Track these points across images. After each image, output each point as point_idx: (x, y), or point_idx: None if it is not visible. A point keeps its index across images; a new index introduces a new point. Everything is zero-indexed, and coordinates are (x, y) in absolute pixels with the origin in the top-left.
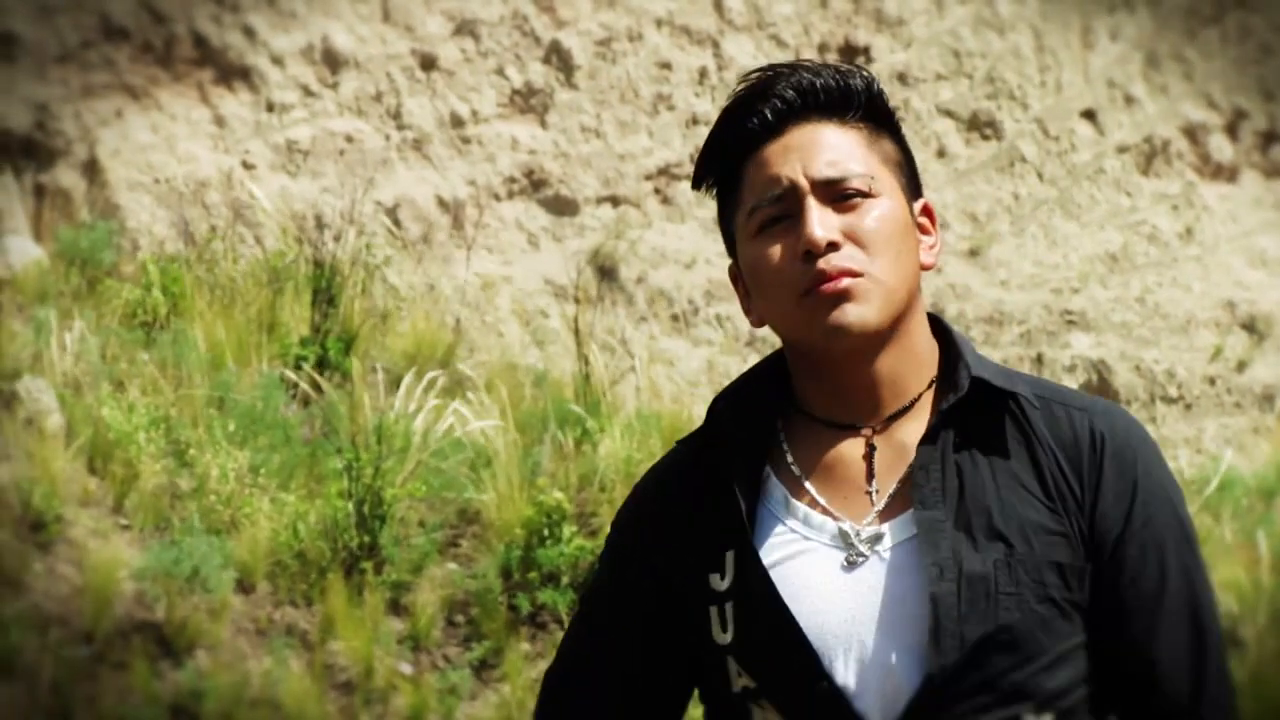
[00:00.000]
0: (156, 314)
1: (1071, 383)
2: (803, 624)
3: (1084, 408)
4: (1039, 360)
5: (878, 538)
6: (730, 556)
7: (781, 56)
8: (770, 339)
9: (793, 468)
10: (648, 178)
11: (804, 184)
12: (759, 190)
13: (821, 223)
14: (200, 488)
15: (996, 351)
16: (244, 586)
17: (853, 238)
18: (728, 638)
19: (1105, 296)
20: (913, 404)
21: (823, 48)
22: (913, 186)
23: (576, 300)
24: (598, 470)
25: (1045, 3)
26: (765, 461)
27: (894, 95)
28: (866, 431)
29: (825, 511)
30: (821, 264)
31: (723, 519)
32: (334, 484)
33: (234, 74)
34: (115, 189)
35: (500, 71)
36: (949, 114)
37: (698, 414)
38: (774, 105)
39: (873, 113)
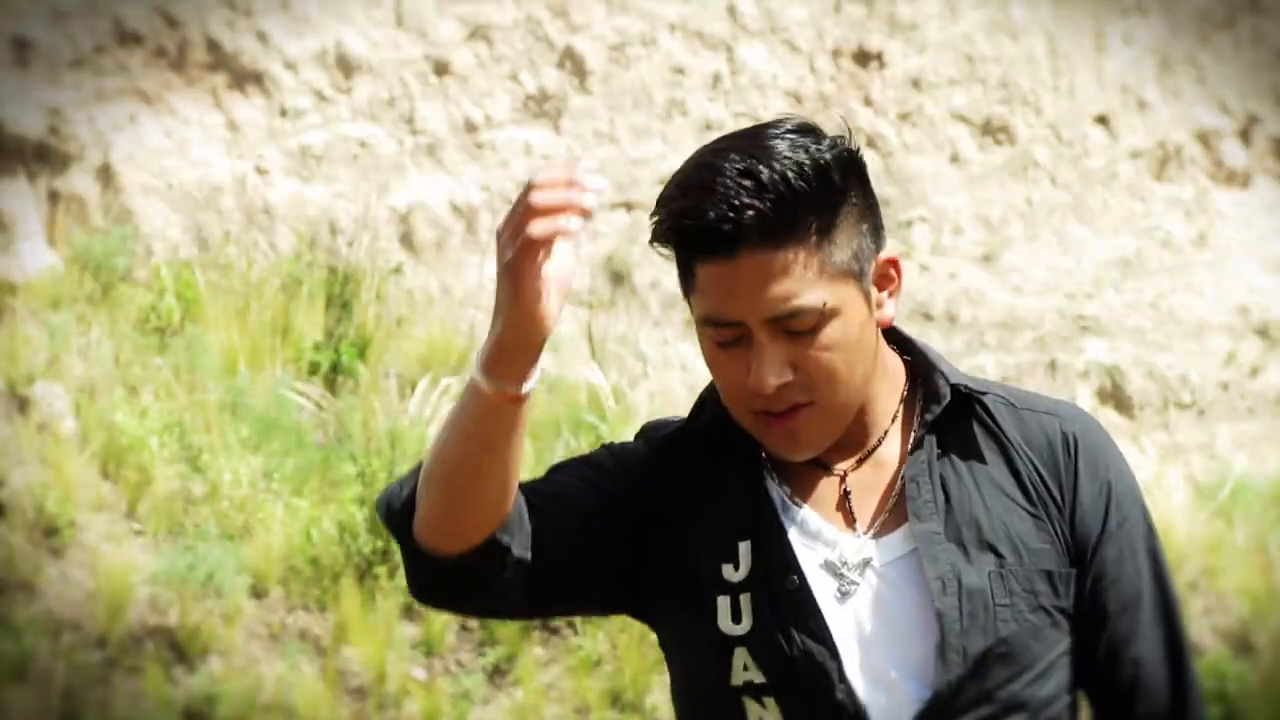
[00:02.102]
0: (170, 319)
1: (1085, 388)
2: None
3: (1051, 411)
4: (1052, 365)
5: (866, 562)
6: (745, 548)
7: (795, 62)
8: None
9: (783, 487)
10: (661, 183)
11: (752, 323)
12: (712, 306)
13: (770, 364)
14: (213, 493)
15: (1010, 357)
16: (257, 592)
17: (804, 368)
18: (741, 628)
19: (1118, 302)
20: (882, 438)
21: (836, 53)
22: (874, 240)
23: (590, 305)
24: None
25: (1058, 7)
26: (761, 461)
27: (907, 100)
28: (841, 470)
29: (816, 532)
30: (770, 403)
31: (732, 508)
32: (347, 489)
33: (247, 79)
34: (129, 194)
35: (514, 77)
36: (962, 119)
37: None
38: (721, 229)
39: (822, 204)
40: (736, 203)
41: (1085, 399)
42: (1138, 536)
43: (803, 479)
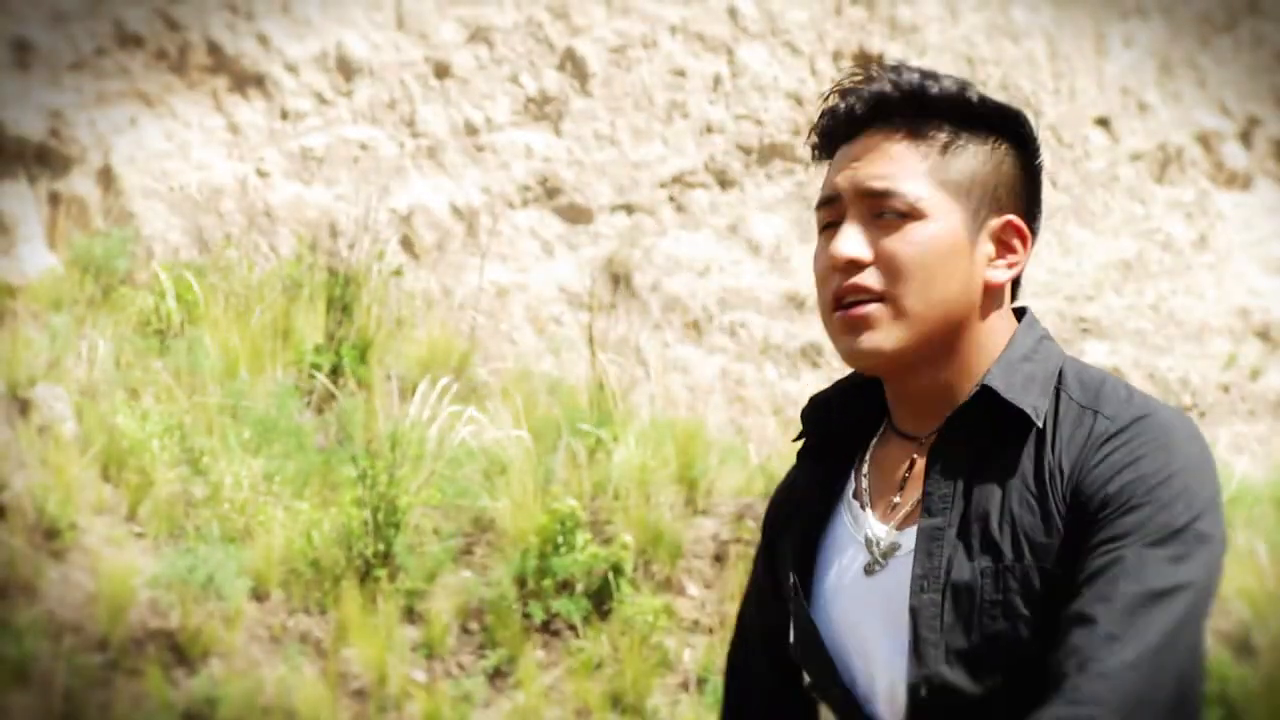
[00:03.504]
0: (171, 322)
1: None
2: (832, 626)
3: (1113, 416)
4: None
5: (895, 547)
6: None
7: (795, 64)
8: (783, 347)
9: (864, 467)
10: (662, 185)
11: (847, 195)
12: (822, 191)
13: (852, 238)
14: (214, 495)
15: None
16: (258, 594)
17: (884, 258)
18: (791, 637)
19: (1119, 304)
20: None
21: (837, 55)
22: (994, 203)
23: (590, 308)
24: (612, 478)
25: (1059, 10)
26: (852, 461)
27: None
28: (918, 442)
29: (868, 513)
30: (846, 281)
31: (806, 518)
32: (348, 491)
33: (248, 81)
34: (129, 196)
35: (514, 79)
36: None
37: (711, 422)
38: (849, 110)
39: (958, 124)
40: (870, 89)
41: None
42: (1134, 532)
43: (889, 454)
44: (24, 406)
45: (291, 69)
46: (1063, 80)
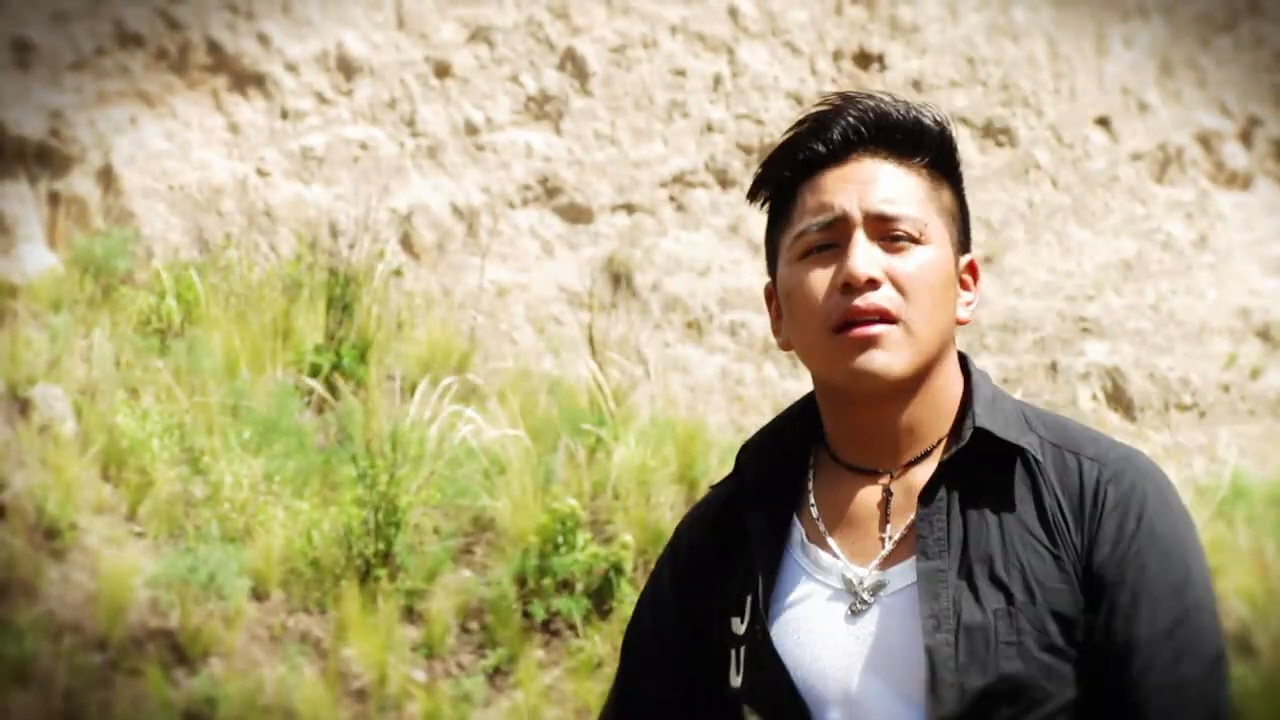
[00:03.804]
0: (171, 321)
1: (1085, 390)
2: (804, 671)
3: (1096, 458)
4: (1053, 368)
5: (880, 585)
6: (749, 601)
7: (795, 64)
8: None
9: (812, 509)
10: (662, 185)
11: (856, 215)
12: (810, 214)
13: (866, 257)
14: (214, 495)
15: (1010, 359)
16: (258, 594)
17: (894, 280)
18: (738, 682)
19: (1119, 304)
20: (930, 451)
21: (837, 55)
22: (963, 241)
23: (591, 308)
24: (611, 478)
25: (1059, 10)
26: (793, 505)
27: None
28: (885, 478)
29: (834, 555)
30: (859, 300)
31: (747, 564)
32: (348, 491)
33: (248, 81)
34: (130, 196)
35: (515, 78)
36: (963, 121)
37: (711, 422)
38: (842, 132)
39: (939, 159)
40: (854, 114)
41: (1085, 401)
42: (1161, 586)
43: (847, 493)
44: (24, 406)
45: (291, 69)
46: (1063, 80)
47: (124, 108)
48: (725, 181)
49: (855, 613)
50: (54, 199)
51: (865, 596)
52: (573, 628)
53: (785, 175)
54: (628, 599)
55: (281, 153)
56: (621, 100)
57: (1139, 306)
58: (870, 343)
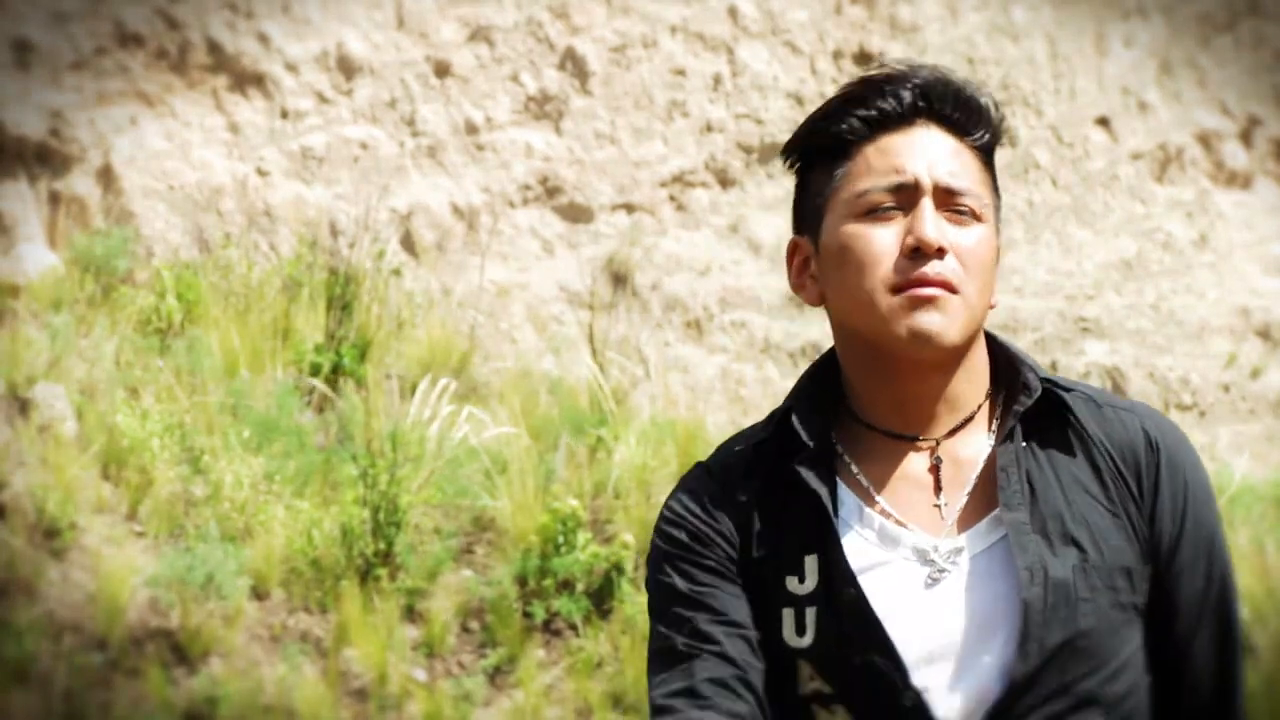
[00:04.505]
0: (171, 321)
1: None
2: (891, 636)
3: (1130, 409)
4: (1053, 367)
5: (957, 550)
6: (812, 561)
7: (796, 63)
8: (784, 347)
9: (859, 478)
10: (662, 184)
11: (927, 183)
12: (877, 175)
13: (938, 226)
14: (214, 495)
15: None
16: (258, 593)
17: (956, 253)
18: (805, 641)
19: (1119, 303)
20: (970, 418)
21: (837, 54)
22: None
23: (591, 307)
24: (612, 478)
25: (1059, 10)
26: (834, 469)
27: None
28: (929, 444)
29: (899, 524)
30: (927, 268)
31: (798, 523)
32: (349, 491)
33: (248, 81)
34: (130, 196)
35: (515, 78)
36: None
37: (712, 421)
38: (913, 96)
39: (991, 142)
40: (923, 80)
41: None
42: (1213, 539)
43: (889, 460)
44: (24, 406)
45: (291, 68)
46: (1063, 80)
47: (124, 108)
48: (725, 181)
49: (934, 580)
50: (54, 199)
51: (944, 564)
52: (573, 627)
53: (845, 131)
54: (628, 599)
55: (281, 152)
56: (621, 100)
57: (1139, 306)
58: (931, 304)
